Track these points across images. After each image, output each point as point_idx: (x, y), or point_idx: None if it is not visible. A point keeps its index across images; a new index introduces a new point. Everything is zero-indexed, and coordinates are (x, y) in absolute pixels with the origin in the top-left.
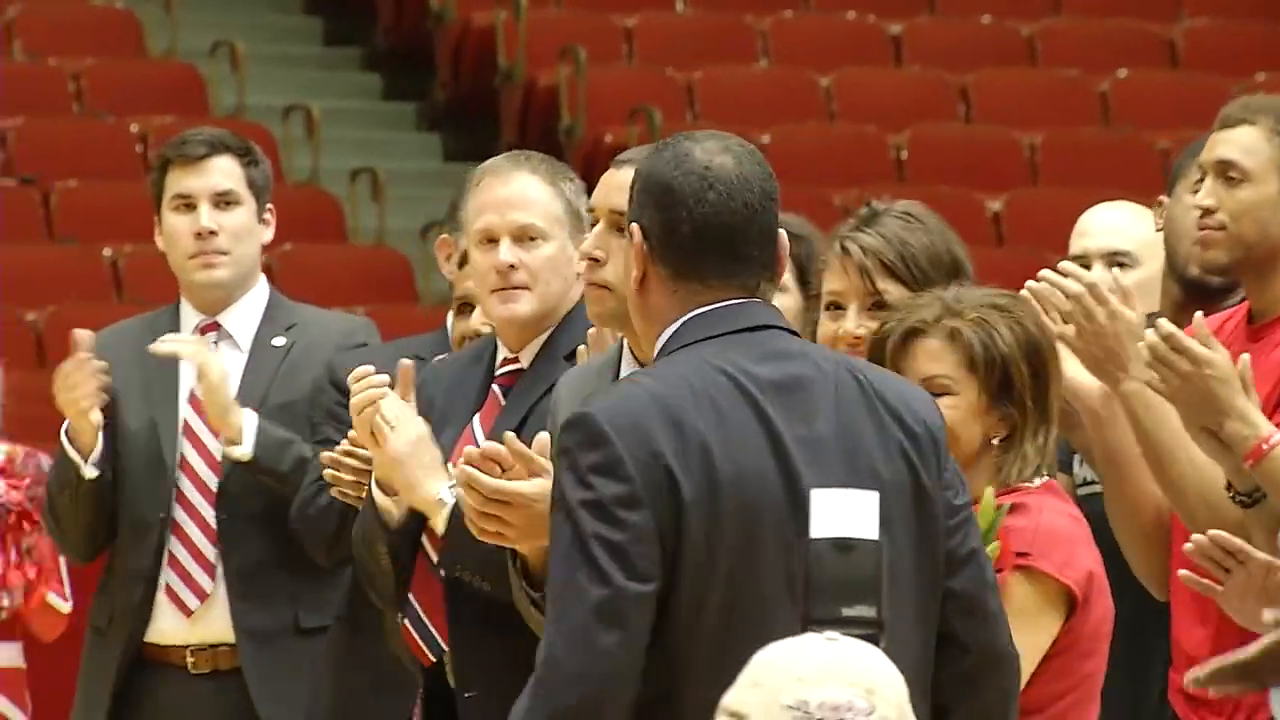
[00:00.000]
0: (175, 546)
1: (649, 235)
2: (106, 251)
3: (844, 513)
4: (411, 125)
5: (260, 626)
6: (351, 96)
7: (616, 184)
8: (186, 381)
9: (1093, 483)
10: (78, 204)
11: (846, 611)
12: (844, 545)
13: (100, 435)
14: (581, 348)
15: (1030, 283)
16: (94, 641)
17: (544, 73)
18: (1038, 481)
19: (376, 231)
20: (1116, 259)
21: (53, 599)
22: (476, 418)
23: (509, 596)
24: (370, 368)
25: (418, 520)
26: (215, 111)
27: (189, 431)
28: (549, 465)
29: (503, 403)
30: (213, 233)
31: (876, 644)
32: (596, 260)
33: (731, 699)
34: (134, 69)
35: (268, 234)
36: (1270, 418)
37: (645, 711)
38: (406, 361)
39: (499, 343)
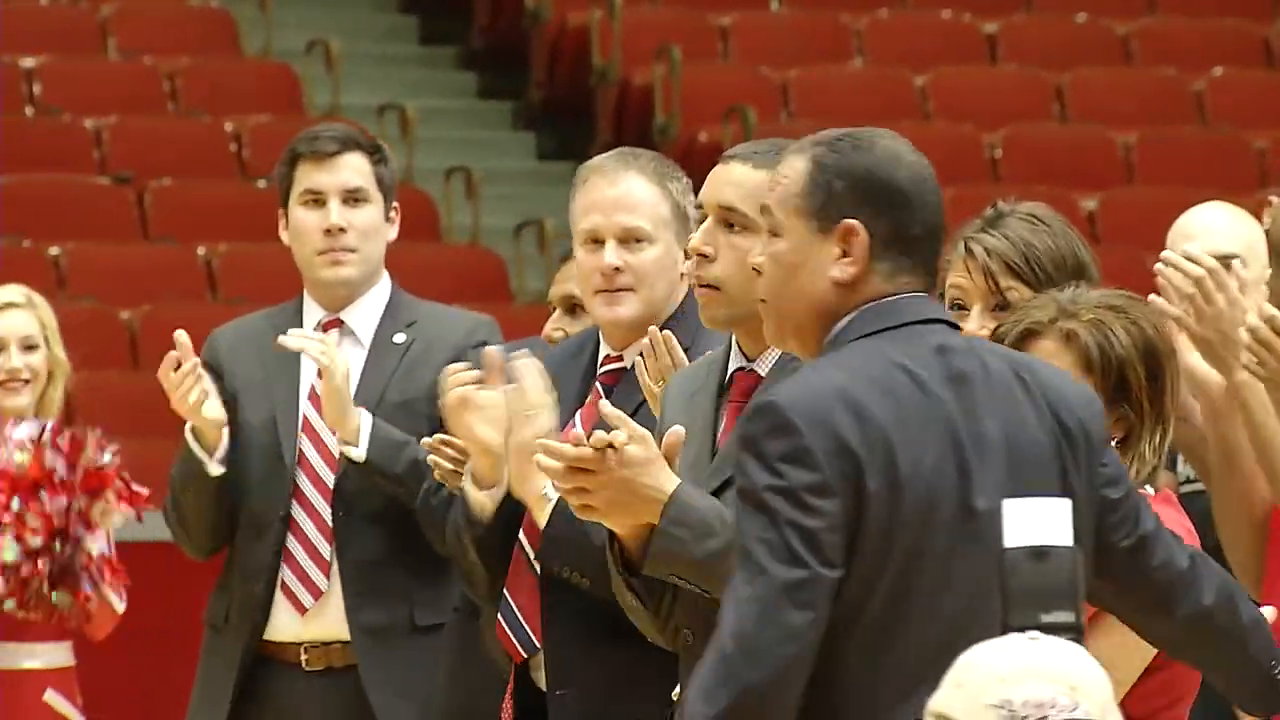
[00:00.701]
0: (292, 544)
1: (873, 234)
2: (200, 250)
3: (1038, 520)
4: (506, 124)
5: (375, 623)
6: (446, 96)
7: (727, 179)
8: (308, 377)
9: (1194, 481)
10: (172, 203)
11: (1045, 618)
12: (1039, 553)
13: (224, 432)
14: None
15: (1157, 265)
16: (211, 639)
17: (639, 72)
18: (1150, 489)
19: (471, 230)
20: (1223, 261)
21: (110, 596)
22: (578, 414)
23: (608, 594)
24: (466, 364)
25: (510, 515)
26: (310, 111)
27: (308, 428)
28: (644, 433)
29: (605, 400)
30: (342, 230)
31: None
32: (705, 256)
33: (937, 702)
34: (229, 68)
35: (393, 232)
36: None
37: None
38: (493, 349)
39: (601, 339)
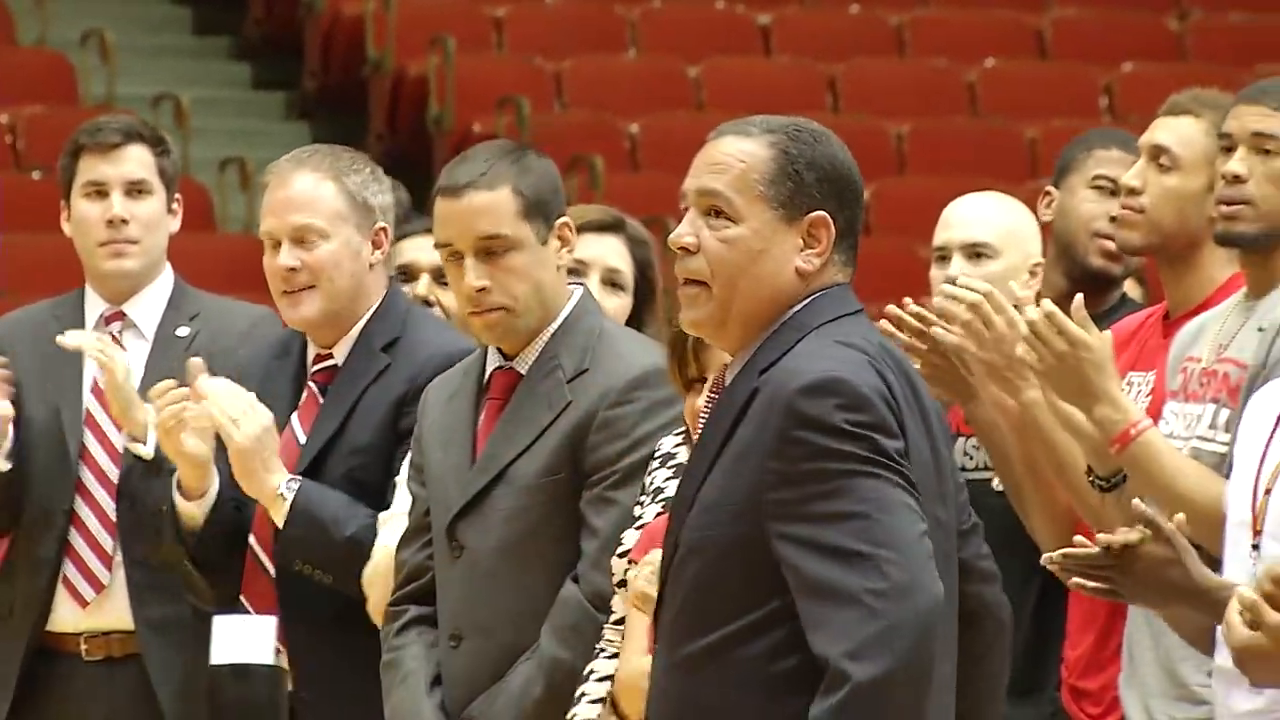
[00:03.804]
0: (74, 537)
1: (837, 227)
2: None
3: (241, 638)
4: (280, 115)
5: (159, 617)
6: (221, 86)
7: (471, 210)
8: (90, 370)
9: (967, 469)
10: None
11: None
12: (241, 671)
13: (9, 428)
14: None
15: (935, 299)
16: None
17: (413, 62)
18: None
19: (245, 221)
20: (976, 250)
21: None
22: (294, 416)
23: (351, 589)
24: (171, 381)
25: (227, 523)
26: (85, 101)
27: (91, 422)
28: None
29: (321, 400)
30: (124, 221)
31: None
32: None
33: None
34: (3, 58)
35: (175, 223)
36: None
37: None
38: (196, 360)
39: (308, 339)
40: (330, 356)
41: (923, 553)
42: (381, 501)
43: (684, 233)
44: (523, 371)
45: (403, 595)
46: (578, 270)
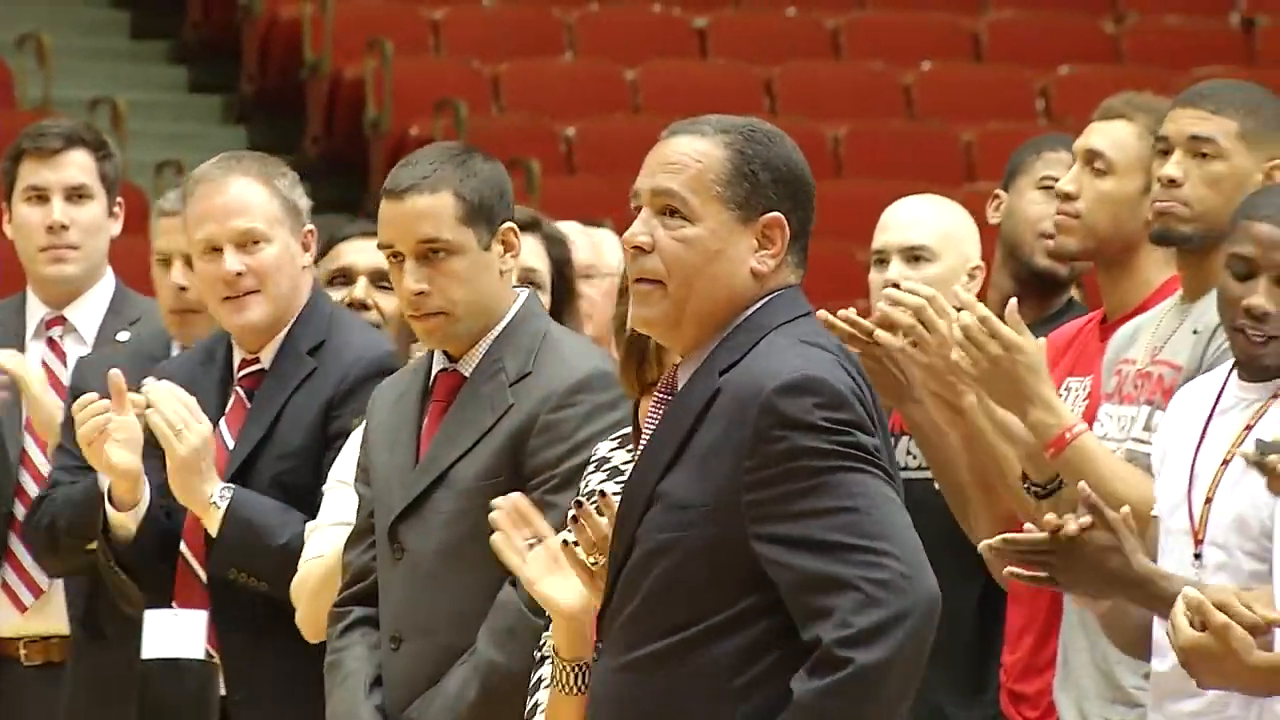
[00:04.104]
0: (14, 543)
1: (791, 228)
2: None
3: (173, 633)
4: (218, 118)
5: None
6: (158, 89)
7: (413, 213)
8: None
9: (909, 468)
10: None
11: None
12: (173, 665)
13: None
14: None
15: (878, 303)
16: None
17: (350, 65)
18: None
19: None
20: (914, 253)
21: None
22: (222, 422)
23: (282, 594)
24: (93, 395)
25: (159, 531)
26: (22, 104)
27: (30, 426)
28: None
29: (248, 404)
30: (65, 227)
31: None
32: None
33: None
34: None
35: (116, 227)
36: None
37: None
38: (116, 372)
39: (233, 344)
40: (257, 361)
41: (916, 545)
42: (312, 505)
43: (638, 232)
44: (466, 374)
45: (347, 596)
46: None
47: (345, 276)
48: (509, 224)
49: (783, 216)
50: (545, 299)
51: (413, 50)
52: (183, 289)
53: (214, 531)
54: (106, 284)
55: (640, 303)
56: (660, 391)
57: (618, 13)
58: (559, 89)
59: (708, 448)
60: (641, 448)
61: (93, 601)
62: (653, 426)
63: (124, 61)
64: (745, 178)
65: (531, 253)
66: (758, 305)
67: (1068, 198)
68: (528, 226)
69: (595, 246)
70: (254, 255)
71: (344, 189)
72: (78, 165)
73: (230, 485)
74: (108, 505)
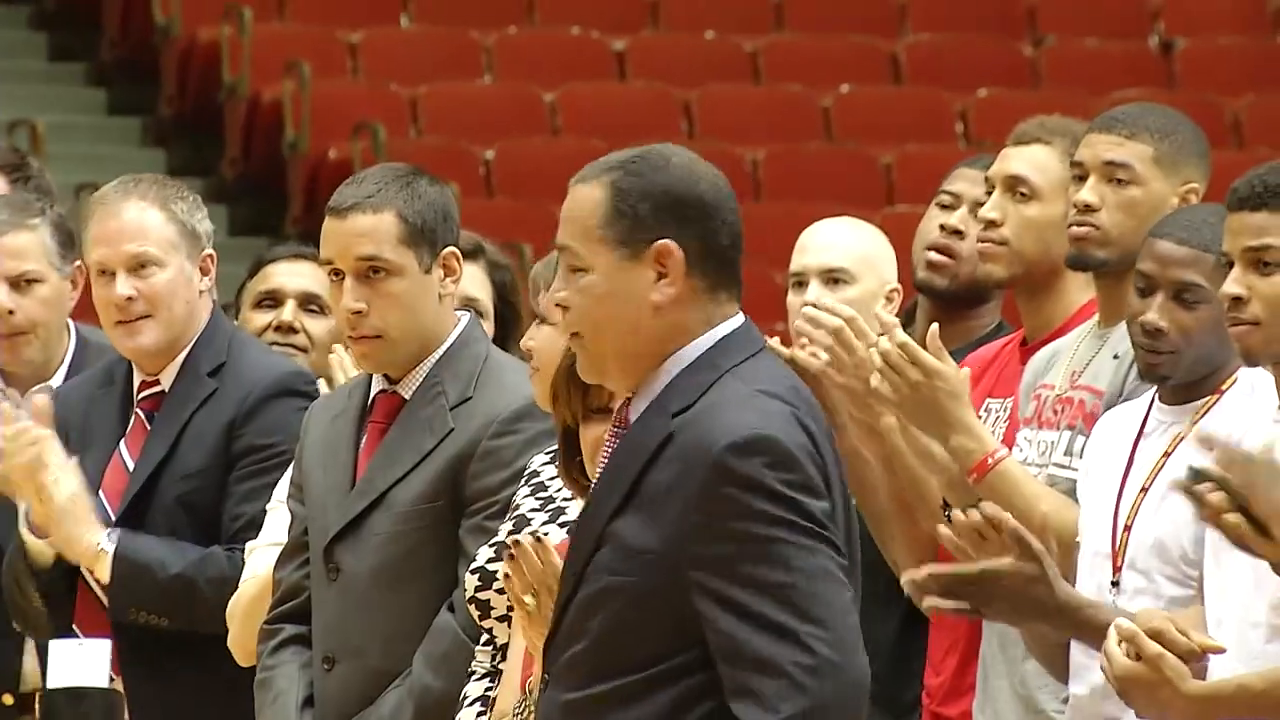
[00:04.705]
0: None
1: (687, 250)
2: None
3: (77, 662)
4: (136, 140)
5: None
6: (77, 111)
7: (355, 231)
8: None
9: None
10: None
11: None
12: (77, 694)
13: None
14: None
15: (796, 322)
16: None
17: (268, 88)
18: None
19: None
20: (833, 275)
21: None
22: (123, 443)
23: (187, 626)
24: (28, 422)
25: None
26: None
27: None
28: None
29: (149, 427)
30: None
31: None
32: (360, 312)
33: None
34: None
35: None
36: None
37: None
38: (42, 397)
39: (133, 366)
40: (157, 383)
41: (851, 626)
42: (216, 526)
43: (556, 289)
44: (406, 396)
45: (279, 614)
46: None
47: (273, 299)
48: (451, 248)
49: (669, 242)
50: (489, 327)
51: (331, 73)
52: (10, 312)
53: (105, 577)
54: None
55: (577, 358)
56: (614, 425)
57: (536, 35)
58: (477, 111)
59: (659, 492)
60: (595, 483)
61: None
62: (606, 460)
63: (42, 83)
64: (624, 214)
65: (474, 281)
66: (712, 343)
67: (991, 224)
68: (471, 253)
69: None
70: (146, 280)
71: (262, 211)
72: None
73: (114, 529)
74: (26, 533)
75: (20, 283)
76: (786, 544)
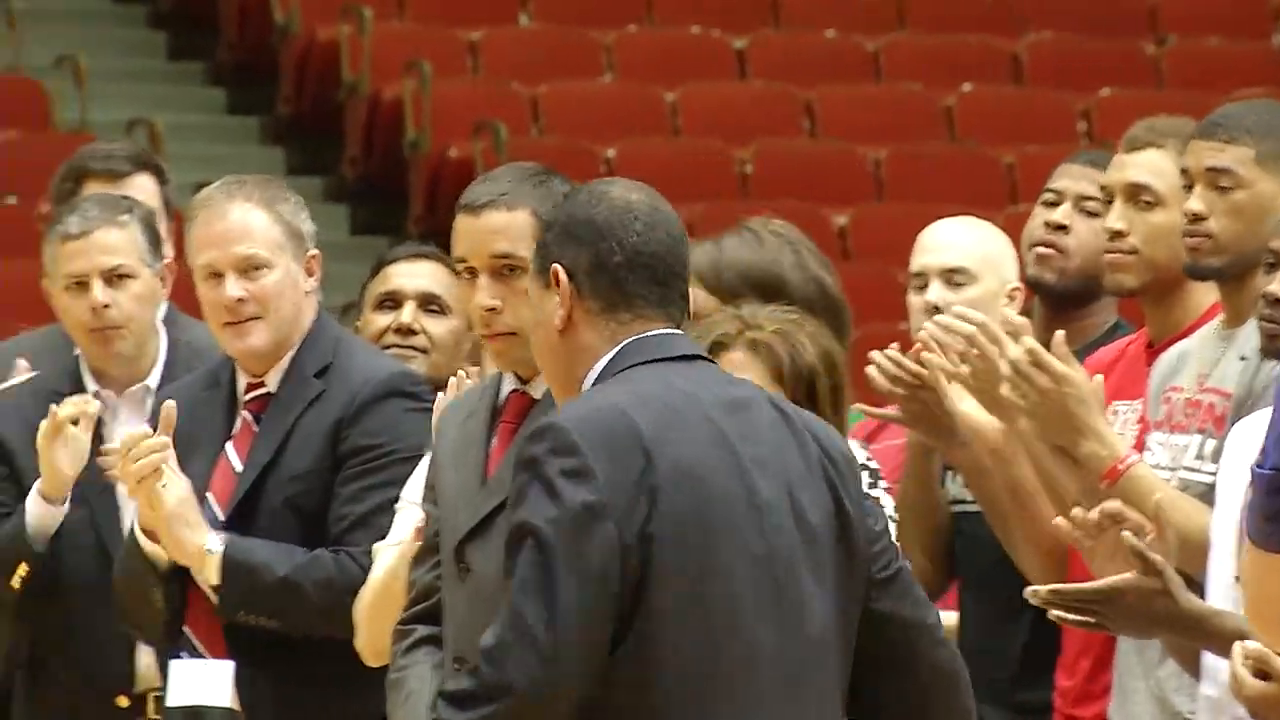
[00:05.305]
0: None
1: (574, 273)
2: None
3: (198, 681)
4: (255, 139)
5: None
6: (195, 111)
7: (489, 229)
8: None
9: (965, 501)
10: None
11: None
12: (195, 713)
13: None
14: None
15: (926, 325)
16: None
17: (389, 87)
18: None
19: None
20: (953, 275)
21: None
22: (230, 445)
23: (295, 630)
24: (146, 428)
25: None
26: (59, 126)
27: None
28: None
29: (255, 429)
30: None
31: None
32: (494, 310)
33: None
34: None
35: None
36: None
37: (615, 715)
38: (170, 403)
39: (237, 369)
40: (263, 385)
41: (536, 631)
42: (323, 527)
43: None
44: (537, 396)
45: (412, 615)
46: None
47: (393, 300)
48: None
49: (558, 266)
50: None
51: (451, 71)
52: (105, 306)
53: (213, 580)
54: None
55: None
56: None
57: (657, 34)
58: (598, 110)
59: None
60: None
61: (35, 641)
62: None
63: (161, 83)
64: (539, 244)
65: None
66: (609, 358)
67: (1118, 235)
68: None
69: None
70: (255, 281)
71: (383, 211)
72: (144, 190)
73: (221, 533)
74: (142, 538)
75: (113, 278)
76: (529, 535)
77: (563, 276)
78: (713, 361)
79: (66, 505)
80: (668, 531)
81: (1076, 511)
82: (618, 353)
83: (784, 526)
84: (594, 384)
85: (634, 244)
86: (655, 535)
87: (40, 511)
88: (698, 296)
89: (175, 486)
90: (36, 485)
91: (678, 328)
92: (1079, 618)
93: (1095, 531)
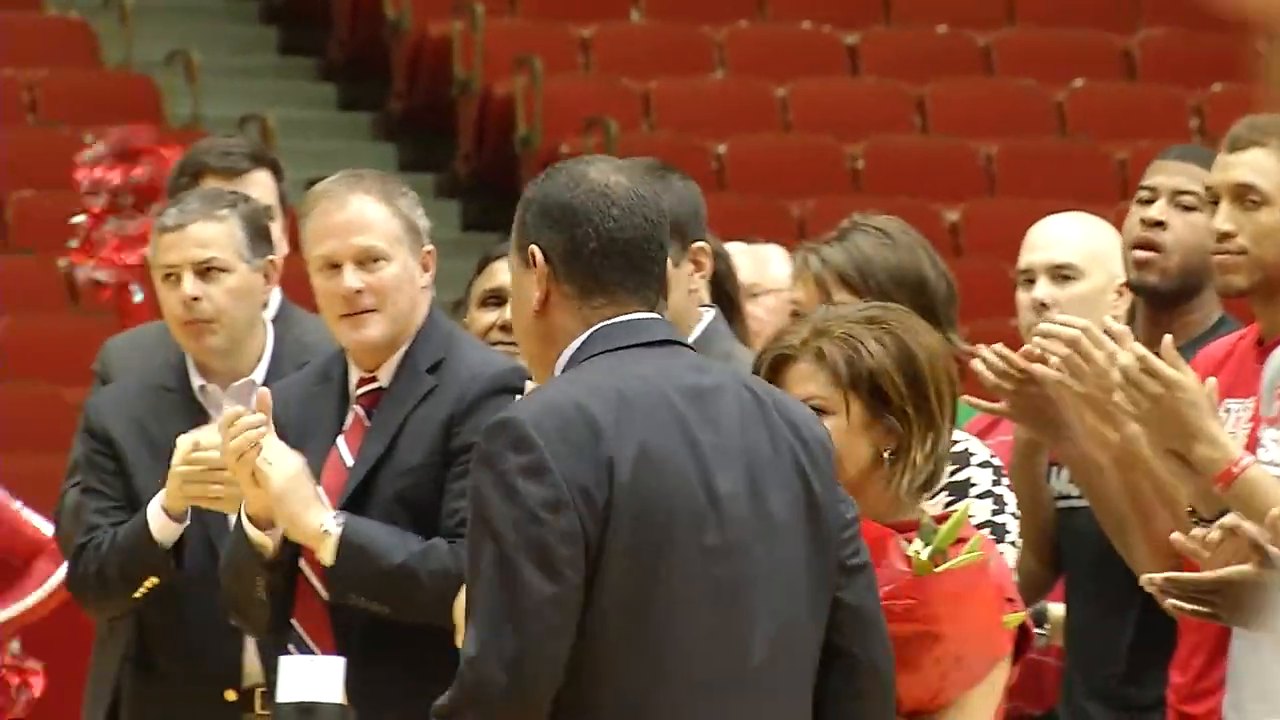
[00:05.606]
0: None
1: (550, 256)
2: (61, 263)
3: (308, 678)
4: (367, 135)
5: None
6: (307, 107)
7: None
8: None
9: (1072, 497)
10: (32, 215)
11: None
12: (306, 709)
13: None
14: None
15: (1035, 337)
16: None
17: (500, 83)
18: (931, 500)
19: None
20: (1060, 272)
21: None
22: (341, 439)
23: (406, 617)
24: (240, 408)
25: (293, 550)
26: (171, 122)
27: None
28: None
29: (367, 423)
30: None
31: None
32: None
33: None
34: (89, 79)
35: (284, 248)
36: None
37: (567, 707)
38: (264, 390)
39: (349, 363)
40: (374, 379)
41: (505, 628)
42: (433, 522)
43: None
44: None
45: None
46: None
47: (497, 297)
48: (701, 243)
49: (535, 247)
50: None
51: (562, 67)
52: (196, 299)
53: (328, 560)
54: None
55: None
56: None
57: (767, 30)
58: (709, 106)
59: None
60: None
61: (143, 636)
62: None
63: (272, 79)
64: (518, 226)
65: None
66: (579, 342)
67: (1227, 236)
68: None
69: (759, 264)
70: (373, 273)
71: (493, 208)
72: (262, 186)
73: (341, 513)
74: (248, 525)
75: (205, 271)
76: (488, 533)
77: (539, 258)
78: (687, 346)
79: (188, 520)
80: (624, 521)
81: (1196, 531)
82: (588, 337)
83: (742, 517)
84: (564, 367)
85: (610, 230)
86: (612, 524)
87: (162, 524)
88: (811, 294)
89: (284, 464)
90: (159, 498)
91: (653, 311)
92: (1193, 607)
93: (1214, 547)
